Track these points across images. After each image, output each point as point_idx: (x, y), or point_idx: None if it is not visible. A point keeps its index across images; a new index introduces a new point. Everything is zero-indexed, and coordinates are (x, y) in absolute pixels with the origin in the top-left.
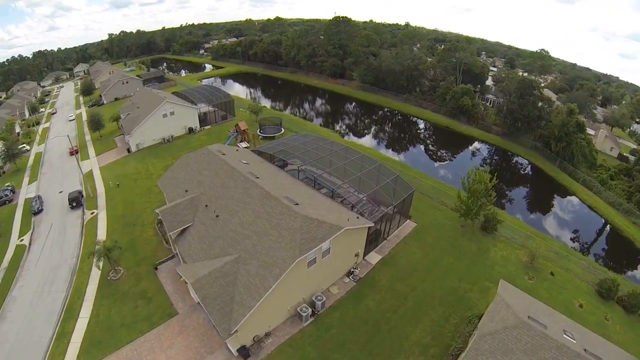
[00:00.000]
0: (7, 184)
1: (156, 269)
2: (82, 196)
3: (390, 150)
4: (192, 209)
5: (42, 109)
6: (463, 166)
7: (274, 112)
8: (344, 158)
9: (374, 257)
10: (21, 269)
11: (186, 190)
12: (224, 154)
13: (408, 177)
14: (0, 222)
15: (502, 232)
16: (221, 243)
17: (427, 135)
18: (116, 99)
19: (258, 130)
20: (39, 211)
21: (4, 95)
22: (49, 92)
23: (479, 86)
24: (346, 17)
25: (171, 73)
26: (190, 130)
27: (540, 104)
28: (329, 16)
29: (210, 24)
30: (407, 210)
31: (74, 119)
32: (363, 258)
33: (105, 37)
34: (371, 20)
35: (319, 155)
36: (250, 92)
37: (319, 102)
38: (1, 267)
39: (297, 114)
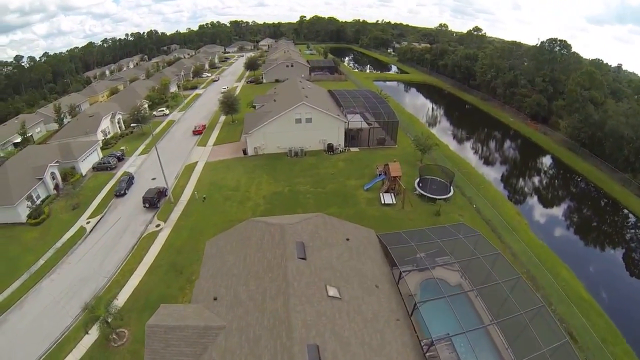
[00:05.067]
0: (121, 148)
1: None
2: (165, 195)
3: (597, 264)
4: (198, 348)
5: (207, 74)
6: None
7: (447, 154)
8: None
9: None
10: (66, 257)
11: (215, 298)
12: (303, 258)
13: None
14: (89, 191)
15: None
16: None
17: None
18: (277, 81)
19: (416, 181)
20: (122, 194)
21: (192, 53)
22: (227, 58)
23: None
24: (564, 42)
25: (356, 67)
26: (330, 148)
27: None
28: (531, 41)
29: (407, 25)
30: None
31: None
32: None
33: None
34: (574, 53)
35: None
36: (430, 109)
37: (507, 146)
38: (55, 246)
39: (478, 155)
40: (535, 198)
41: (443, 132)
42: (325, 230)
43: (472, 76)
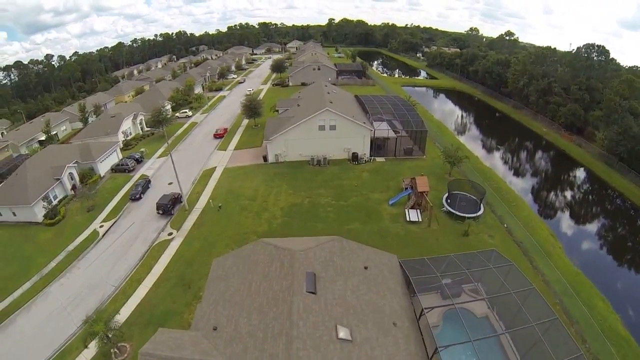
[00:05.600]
0: (141, 150)
1: None
2: (180, 202)
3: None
4: None
5: (233, 75)
6: None
7: (478, 167)
8: None
9: None
10: (77, 261)
11: (215, 328)
12: (313, 292)
13: None
14: (105, 192)
15: None
16: None
17: None
18: (303, 84)
19: (444, 197)
20: (137, 199)
21: (220, 54)
22: (255, 60)
23: None
24: (603, 47)
25: (385, 71)
26: (355, 157)
27: None
28: (563, 47)
29: (436, 29)
30: None
31: (251, 95)
32: None
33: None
34: (612, 60)
35: None
36: (459, 117)
37: (539, 158)
38: (67, 248)
39: (509, 167)
40: (570, 217)
41: (472, 142)
42: (341, 257)
43: (504, 83)
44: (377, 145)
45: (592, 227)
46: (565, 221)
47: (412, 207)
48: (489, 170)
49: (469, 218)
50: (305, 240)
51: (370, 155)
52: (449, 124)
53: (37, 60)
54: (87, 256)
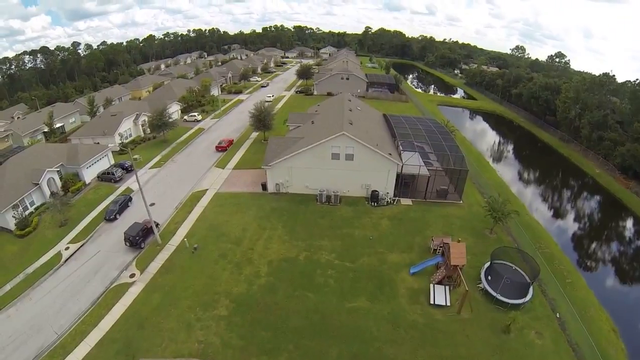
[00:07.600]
0: (134, 157)
1: None
2: (153, 233)
3: None
4: None
5: (256, 78)
6: None
7: (524, 222)
8: None
9: None
10: (31, 289)
11: None
12: None
13: None
14: (84, 204)
15: None
16: None
17: None
18: (329, 94)
19: (484, 269)
20: (112, 219)
21: (251, 54)
22: (285, 63)
23: None
24: None
25: (420, 86)
26: (374, 197)
27: None
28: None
29: (474, 46)
30: None
31: (270, 101)
32: None
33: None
34: None
35: None
36: (496, 144)
37: (588, 205)
38: (26, 270)
39: (556, 215)
40: (628, 296)
41: (517, 180)
42: None
43: (551, 111)
44: (404, 183)
45: None
46: (626, 304)
47: (440, 282)
48: (538, 225)
49: (513, 305)
50: None
51: (394, 195)
52: (489, 154)
53: (62, 47)
54: (43, 285)
